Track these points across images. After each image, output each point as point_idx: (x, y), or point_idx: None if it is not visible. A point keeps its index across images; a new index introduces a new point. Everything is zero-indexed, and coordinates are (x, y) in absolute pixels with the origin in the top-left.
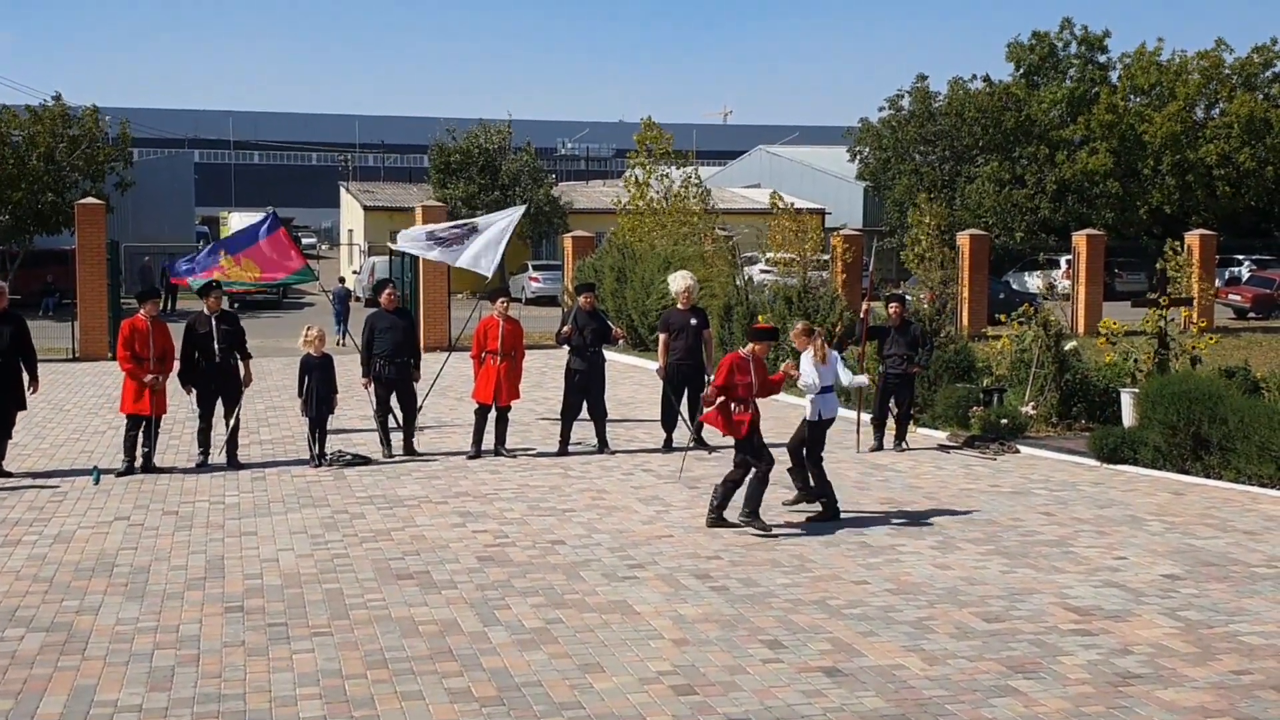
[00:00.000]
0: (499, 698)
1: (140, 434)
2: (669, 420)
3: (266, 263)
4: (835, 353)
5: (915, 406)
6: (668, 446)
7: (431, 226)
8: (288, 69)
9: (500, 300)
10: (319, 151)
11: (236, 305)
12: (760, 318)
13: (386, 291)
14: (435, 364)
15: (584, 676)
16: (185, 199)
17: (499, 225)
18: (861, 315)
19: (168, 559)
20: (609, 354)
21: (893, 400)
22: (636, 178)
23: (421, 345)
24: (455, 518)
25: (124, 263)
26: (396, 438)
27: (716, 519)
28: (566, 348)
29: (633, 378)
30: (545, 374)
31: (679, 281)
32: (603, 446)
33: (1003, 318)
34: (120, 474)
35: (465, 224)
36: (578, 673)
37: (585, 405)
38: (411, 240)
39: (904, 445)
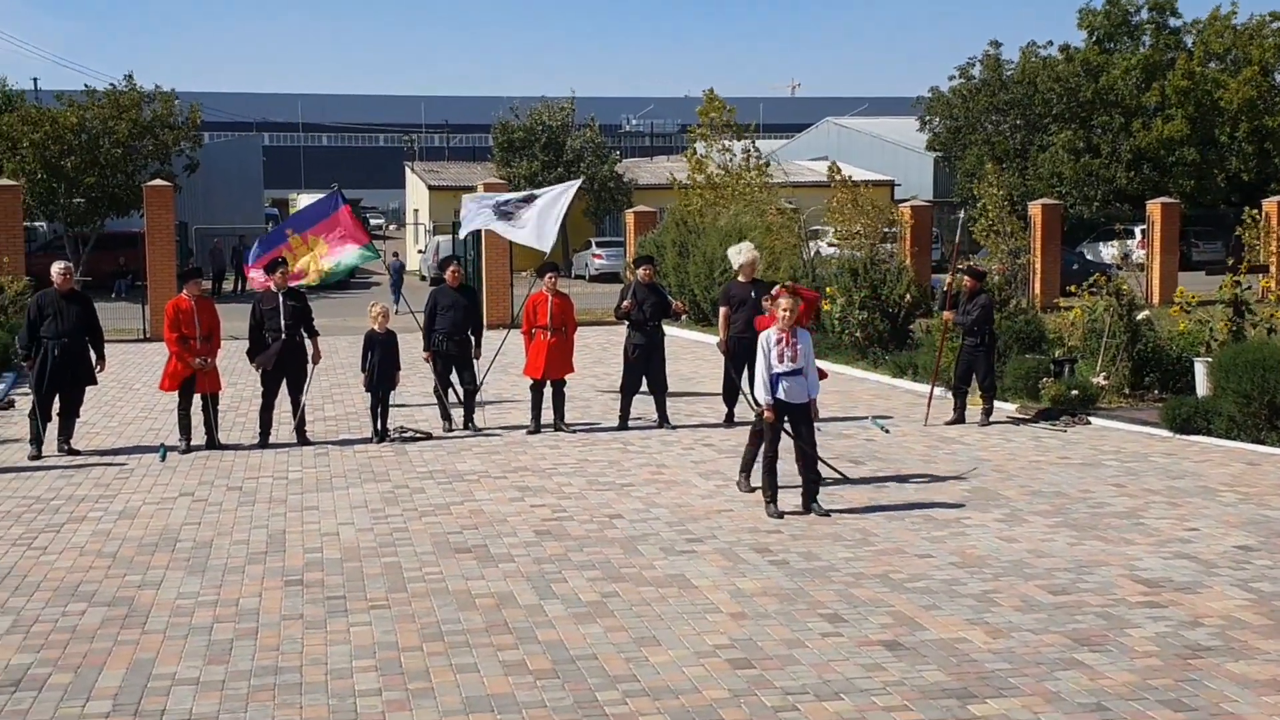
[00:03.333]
0: (554, 670)
1: (200, 412)
2: (730, 395)
3: (332, 239)
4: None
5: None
6: (729, 421)
7: (495, 196)
8: (355, 51)
9: (549, 275)
10: (385, 133)
11: (305, 288)
12: (827, 290)
13: (451, 268)
14: (497, 341)
15: (640, 650)
16: (254, 181)
17: (556, 199)
18: (945, 287)
19: (230, 534)
20: (672, 329)
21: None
22: (697, 152)
23: (484, 323)
24: (514, 492)
25: (194, 244)
26: (457, 413)
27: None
28: (626, 322)
29: (694, 352)
30: (607, 349)
31: (741, 254)
32: (663, 421)
33: (1074, 288)
34: (182, 453)
35: (526, 195)
36: (633, 646)
37: (645, 380)
38: (476, 209)
39: (987, 420)
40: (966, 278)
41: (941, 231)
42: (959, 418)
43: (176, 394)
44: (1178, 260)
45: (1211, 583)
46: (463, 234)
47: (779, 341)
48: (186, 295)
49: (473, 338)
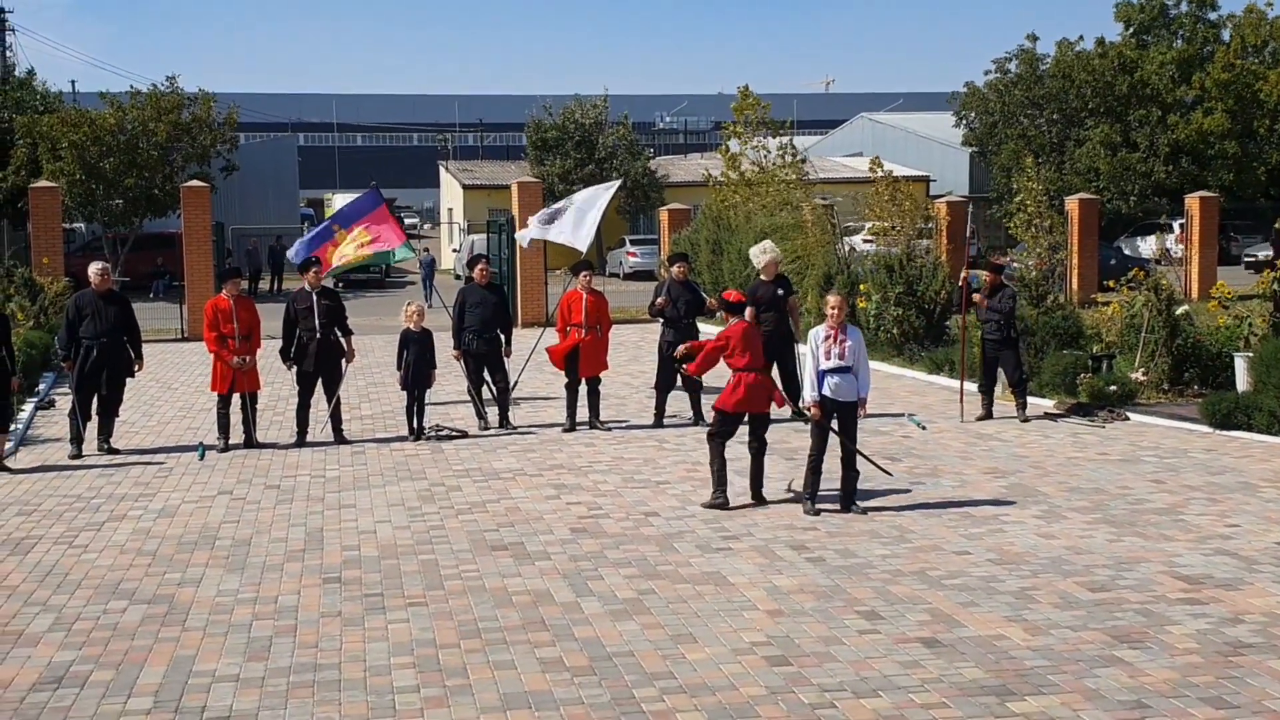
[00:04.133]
0: (590, 667)
1: (238, 411)
2: None
3: (374, 232)
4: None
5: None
6: None
7: (543, 211)
8: (389, 52)
9: (584, 274)
10: (420, 132)
11: (340, 285)
12: (862, 287)
13: (479, 266)
14: (532, 339)
15: (676, 647)
16: (289, 181)
17: (593, 199)
18: (960, 283)
19: (268, 532)
20: (706, 326)
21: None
22: (729, 149)
23: (517, 321)
24: (550, 490)
25: (231, 245)
26: (492, 411)
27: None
28: (661, 320)
29: None
30: (641, 347)
31: (764, 255)
32: (698, 418)
33: (1112, 284)
34: (220, 451)
35: (568, 201)
36: (670, 643)
37: (680, 377)
38: (532, 229)
39: (1024, 416)
40: (986, 273)
41: (977, 227)
42: (987, 414)
43: (218, 393)
44: (1216, 254)
45: (1253, 579)
46: (523, 243)
47: (827, 338)
48: (225, 295)
49: (502, 336)
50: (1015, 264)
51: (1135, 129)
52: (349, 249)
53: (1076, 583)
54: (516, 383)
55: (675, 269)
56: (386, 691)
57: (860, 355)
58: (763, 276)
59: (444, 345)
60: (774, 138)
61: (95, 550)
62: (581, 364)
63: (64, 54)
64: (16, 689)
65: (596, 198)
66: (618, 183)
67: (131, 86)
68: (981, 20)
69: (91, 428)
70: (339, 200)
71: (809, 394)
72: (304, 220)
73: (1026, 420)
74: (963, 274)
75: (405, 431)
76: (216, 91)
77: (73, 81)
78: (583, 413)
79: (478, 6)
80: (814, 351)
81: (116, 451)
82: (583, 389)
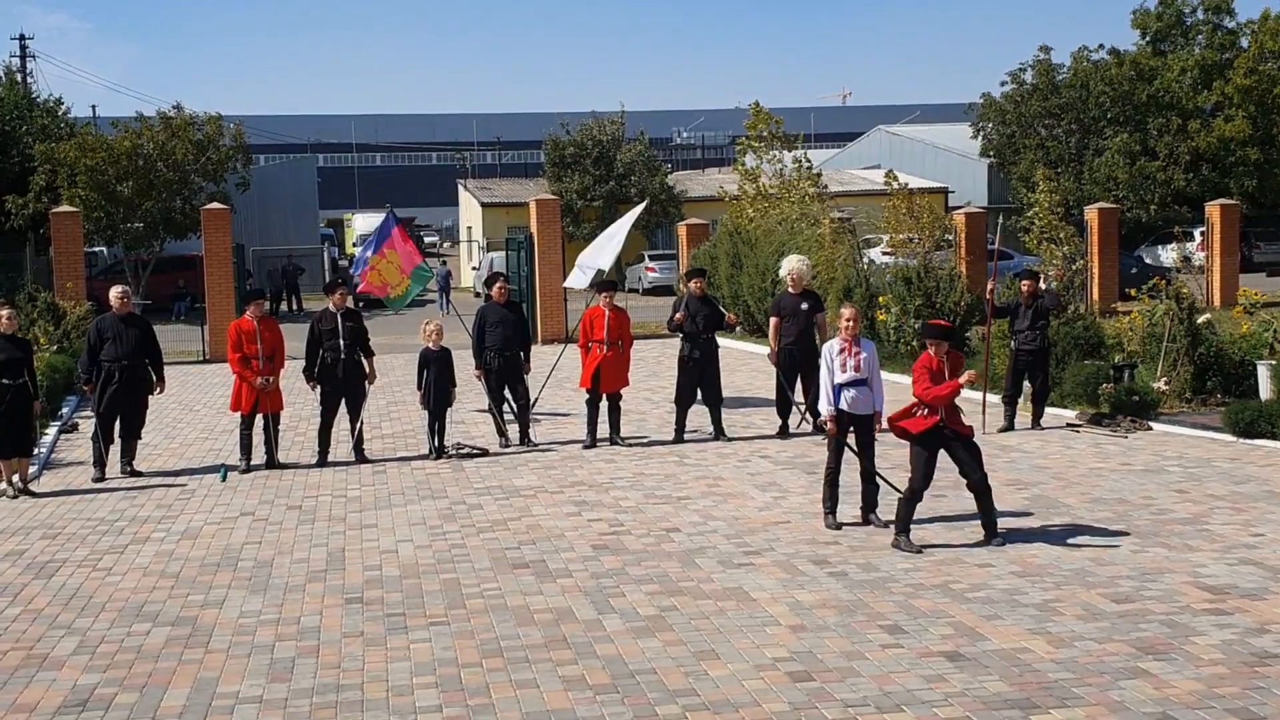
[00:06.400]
0: (613, 685)
1: (261, 432)
2: (784, 406)
3: (401, 253)
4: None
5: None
6: (783, 433)
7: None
8: (407, 72)
9: (605, 293)
10: (438, 151)
11: (361, 304)
12: (881, 299)
13: (498, 285)
14: (552, 356)
15: (698, 664)
16: (309, 202)
17: (624, 224)
18: (987, 295)
19: (290, 552)
20: (726, 341)
21: (1026, 379)
22: (744, 165)
23: (536, 338)
24: (571, 507)
25: (252, 266)
26: (512, 428)
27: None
28: (680, 335)
29: (749, 364)
30: (661, 362)
31: (787, 266)
32: (719, 434)
33: (1133, 292)
34: (242, 472)
35: (604, 235)
36: (692, 660)
37: (700, 392)
38: (582, 273)
39: (1040, 426)
40: (1025, 281)
41: (997, 237)
42: (1009, 425)
43: (240, 414)
44: (1238, 262)
45: (1278, 589)
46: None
47: (841, 351)
48: (249, 316)
49: (522, 353)
50: (1050, 273)
51: (1154, 137)
52: (392, 274)
53: (1100, 594)
54: (537, 399)
55: (693, 284)
56: (409, 711)
57: (874, 368)
58: (790, 289)
59: (464, 363)
60: (789, 151)
61: (119, 573)
62: (603, 380)
63: (86, 79)
64: (42, 712)
65: (626, 223)
66: (643, 205)
67: (139, 113)
68: (997, 32)
69: (114, 450)
70: (359, 220)
71: (825, 408)
72: (324, 240)
73: (1041, 428)
74: (990, 286)
75: (426, 450)
76: (236, 113)
77: (93, 106)
78: (603, 429)
79: (495, 25)
80: (829, 365)
81: (139, 474)
82: (603, 405)
